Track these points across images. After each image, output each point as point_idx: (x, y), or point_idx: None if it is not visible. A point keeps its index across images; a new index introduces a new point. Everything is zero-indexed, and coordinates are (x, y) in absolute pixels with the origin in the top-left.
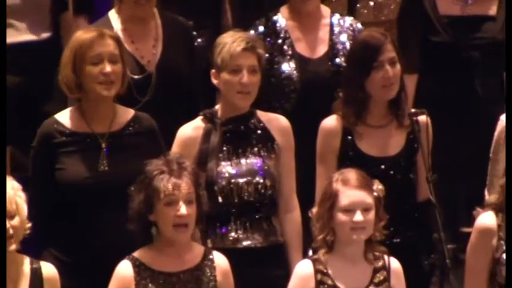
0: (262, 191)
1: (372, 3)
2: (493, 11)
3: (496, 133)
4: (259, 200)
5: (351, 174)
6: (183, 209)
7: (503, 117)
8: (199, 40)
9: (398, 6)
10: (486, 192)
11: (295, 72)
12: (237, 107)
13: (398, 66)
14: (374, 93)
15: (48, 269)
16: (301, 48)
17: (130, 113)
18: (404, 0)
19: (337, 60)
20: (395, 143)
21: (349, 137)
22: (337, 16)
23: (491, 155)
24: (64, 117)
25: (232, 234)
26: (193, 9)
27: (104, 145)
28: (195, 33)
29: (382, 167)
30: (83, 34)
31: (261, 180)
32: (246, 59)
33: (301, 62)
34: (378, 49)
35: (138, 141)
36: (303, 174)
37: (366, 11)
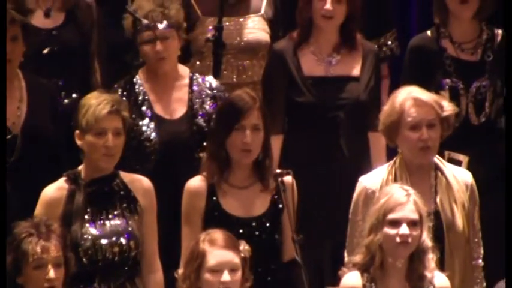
0: (126, 252)
1: (236, 64)
2: (356, 71)
3: (355, 194)
4: (123, 261)
5: (218, 234)
6: (51, 273)
7: (361, 179)
8: (66, 100)
9: (263, 67)
10: (345, 254)
11: (154, 133)
12: (101, 168)
13: (261, 134)
14: (233, 154)
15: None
16: (160, 109)
17: None
18: (268, 61)
19: (197, 120)
20: (259, 203)
21: (214, 198)
22: (196, 76)
23: (350, 216)
24: None
25: None
26: (62, 70)
27: None
28: (63, 93)
29: (247, 227)
30: None
31: (125, 242)
32: (111, 122)
33: (160, 123)
34: (243, 112)
35: None
36: (165, 235)
37: (229, 73)
